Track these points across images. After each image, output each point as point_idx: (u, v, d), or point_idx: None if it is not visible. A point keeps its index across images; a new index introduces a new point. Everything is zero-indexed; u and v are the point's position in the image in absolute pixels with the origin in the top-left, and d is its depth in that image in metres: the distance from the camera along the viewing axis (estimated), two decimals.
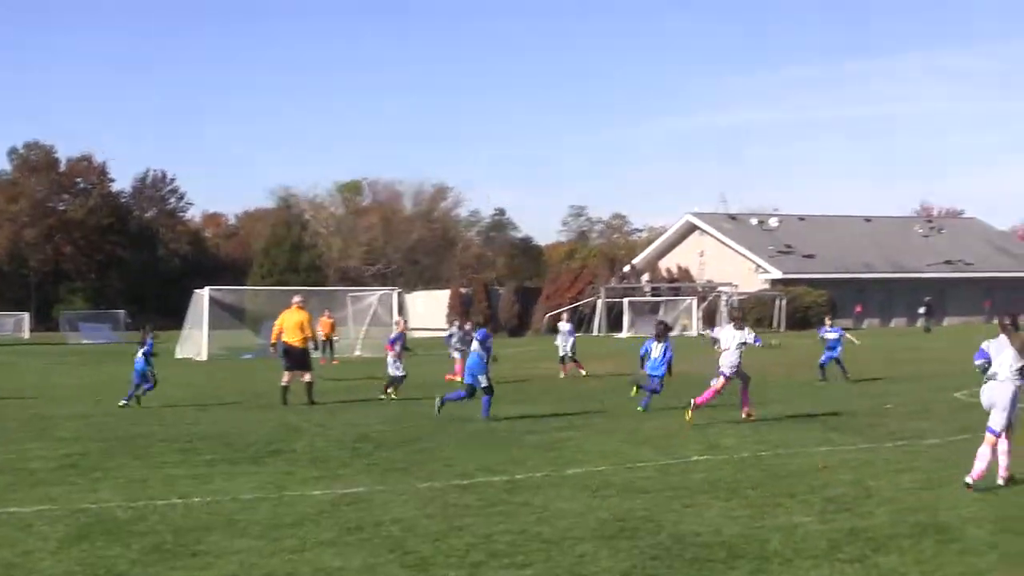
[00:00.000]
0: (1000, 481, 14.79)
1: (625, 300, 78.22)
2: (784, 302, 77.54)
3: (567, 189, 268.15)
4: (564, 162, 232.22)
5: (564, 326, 38.45)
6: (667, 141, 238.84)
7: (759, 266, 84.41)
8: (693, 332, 70.45)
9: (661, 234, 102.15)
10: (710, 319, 73.04)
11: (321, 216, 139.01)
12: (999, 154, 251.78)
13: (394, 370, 29.89)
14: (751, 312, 73.68)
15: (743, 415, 22.89)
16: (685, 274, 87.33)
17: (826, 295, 78.36)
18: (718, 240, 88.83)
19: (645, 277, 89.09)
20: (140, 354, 28.80)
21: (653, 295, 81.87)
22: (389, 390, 29.77)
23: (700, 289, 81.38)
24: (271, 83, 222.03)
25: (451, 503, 14.18)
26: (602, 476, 16.09)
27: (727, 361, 23.03)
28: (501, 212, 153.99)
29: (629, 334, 72.37)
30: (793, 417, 23.50)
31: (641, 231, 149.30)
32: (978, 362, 15.58)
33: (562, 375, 37.31)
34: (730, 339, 23.19)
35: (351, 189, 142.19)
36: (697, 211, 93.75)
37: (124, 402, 28.31)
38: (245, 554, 11.40)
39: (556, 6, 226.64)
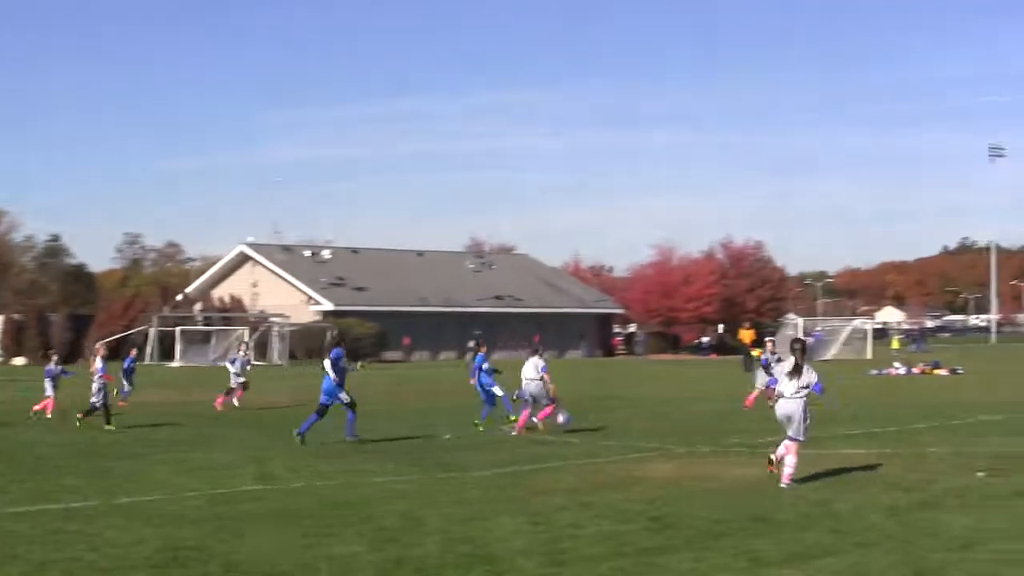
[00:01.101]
0: (786, 484, 17.18)
1: (178, 329, 76.95)
2: (335, 334, 77.87)
3: (122, 216, 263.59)
4: (121, 189, 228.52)
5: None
6: (225, 172, 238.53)
7: (311, 297, 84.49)
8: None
9: (215, 263, 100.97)
10: (261, 349, 72.83)
11: None
12: (550, 193, 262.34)
13: None
14: (301, 343, 73.98)
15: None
16: (238, 304, 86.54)
17: (376, 328, 79.08)
18: (271, 271, 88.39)
19: (198, 306, 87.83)
20: None
21: (206, 324, 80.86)
22: None
23: (252, 319, 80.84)
24: None
25: (6, 531, 13.78)
26: (154, 505, 15.84)
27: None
28: (55, 238, 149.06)
29: (181, 363, 71.27)
30: (351, 446, 23.60)
31: (195, 260, 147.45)
32: (773, 387, 18.51)
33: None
34: (531, 369, 25.91)
35: None
36: (251, 241, 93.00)
37: None
38: None
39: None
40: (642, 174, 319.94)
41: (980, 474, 18.11)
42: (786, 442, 17.50)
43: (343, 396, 24.61)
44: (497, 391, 28.64)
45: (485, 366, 28.84)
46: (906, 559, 12.06)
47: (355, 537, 13.48)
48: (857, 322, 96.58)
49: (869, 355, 79.80)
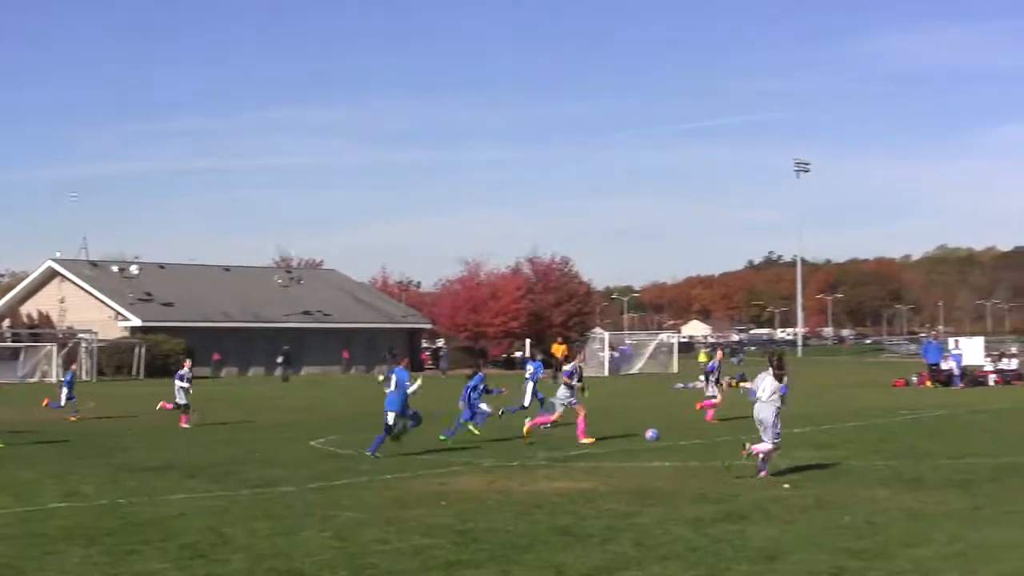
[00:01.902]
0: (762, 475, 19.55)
1: None
2: (143, 350, 76.75)
3: None
4: None
5: None
6: (32, 187, 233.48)
7: (119, 313, 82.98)
8: (53, 378, 68.38)
9: (23, 279, 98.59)
10: (69, 365, 71.40)
11: None
12: (358, 208, 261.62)
13: None
14: (109, 359, 72.74)
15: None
16: (46, 320, 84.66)
17: (184, 343, 78.02)
18: (79, 287, 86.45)
19: (6, 323, 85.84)
20: None
21: (14, 341, 78.95)
22: None
23: (61, 335, 79.16)
24: None
25: None
26: None
27: (562, 393, 27.81)
28: None
29: None
30: (152, 466, 23.24)
31: (3, 276, 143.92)
32: (751, 398, 20.67)
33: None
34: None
35: None
36: (59, 257, 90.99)
37: None
38: None
39: None
40: (450, 190, 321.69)
41: (785, 486, 18.50)
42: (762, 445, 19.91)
43: (389, 417, 24.65)
44: (484, 407, 29.19)
45: (481, 386, 29.36)
46: (710, 571, 12.31)
47: (159, 554, 13.34)
48: (663, 336, 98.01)
49: (675, 369, 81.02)
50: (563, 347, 65.55)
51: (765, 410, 20.01)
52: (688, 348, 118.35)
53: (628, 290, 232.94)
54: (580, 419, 27.76)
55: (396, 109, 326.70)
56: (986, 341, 65.82)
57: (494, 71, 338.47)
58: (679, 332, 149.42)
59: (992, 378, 53.97)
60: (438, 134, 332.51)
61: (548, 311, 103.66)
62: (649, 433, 27.66)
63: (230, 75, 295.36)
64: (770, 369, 20.47)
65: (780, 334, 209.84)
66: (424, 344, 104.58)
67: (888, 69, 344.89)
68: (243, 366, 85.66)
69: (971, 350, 57.08)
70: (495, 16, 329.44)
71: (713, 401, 33.59)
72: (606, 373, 79.46)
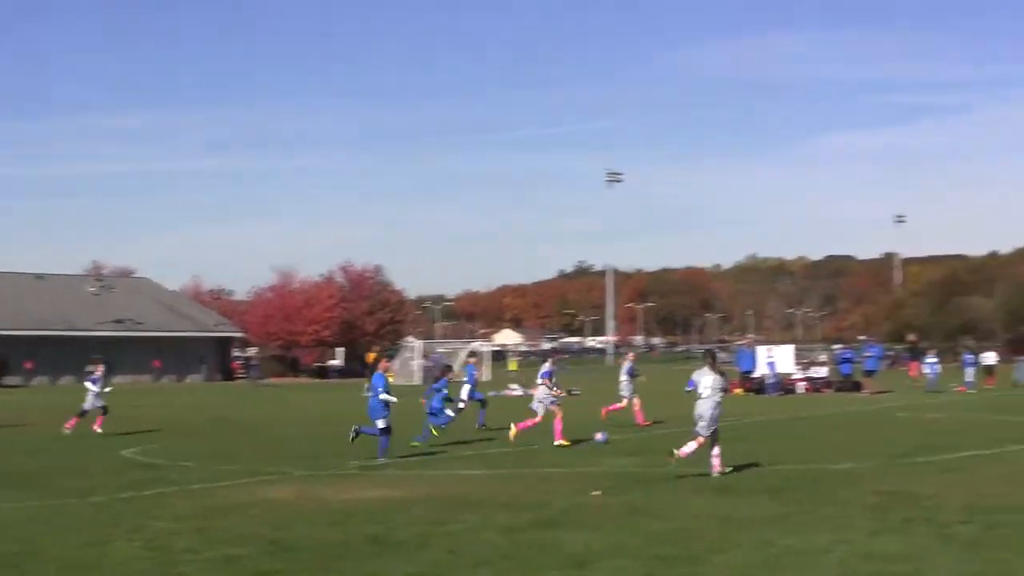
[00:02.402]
0: (715, 473, 20.50)
1: None
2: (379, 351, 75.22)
3: None
4: None
5: None
6: None
7: None
8: None
9: None
10: None
11: None
12: (172, 217, 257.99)
13: None
14: None
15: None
16: None
17: None
18: None
19: None
20: None
21: None
22: None
23: None
24: None
25: None
26: None
27: (541, 394, 28.80)
28: None
29: None
30: None
31: None
32: (689, 389, 21.36)
33: None
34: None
35: None
36: None
37: None
38: None
39: None
40: (263, 197, 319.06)
41: (596, 493, 18.70)
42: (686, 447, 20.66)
43: (380, 422, 24.60)
44: (449, 412, 29.53)
45: (445, 391, 29.57)
46: None
47: None
48: (475, 344, 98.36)
49: (488, 376, 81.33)
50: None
51: (704, 405, 20.94)
52: (500, 357, 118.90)
53: (441, 298, 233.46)
54: (557, 421, 28.33)
55: (213, 115, 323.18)
56: (796, 349, 67.12)
57: (310, 78, 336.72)
58: (491, 341, 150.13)
59: (802, 386, 55.11)
60: (253, 141, 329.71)
61: (361, 319, 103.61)
62: (598, 436, 28.12)
63: (43, 78, 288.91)
64: (707, 367, 21.50)
65: (591, 342, 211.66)
66: (236, 353, 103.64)
67: (699, 79, 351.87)
68: (54, 375, 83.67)
69: (781, 358, 58.16)
70: (311, 26, 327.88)
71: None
72: (418, 382, 79.51)
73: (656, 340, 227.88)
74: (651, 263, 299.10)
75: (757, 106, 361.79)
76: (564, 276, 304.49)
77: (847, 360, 55.95)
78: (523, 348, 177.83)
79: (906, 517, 15.63)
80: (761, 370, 56.02)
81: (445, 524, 15.77)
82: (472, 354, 33.85)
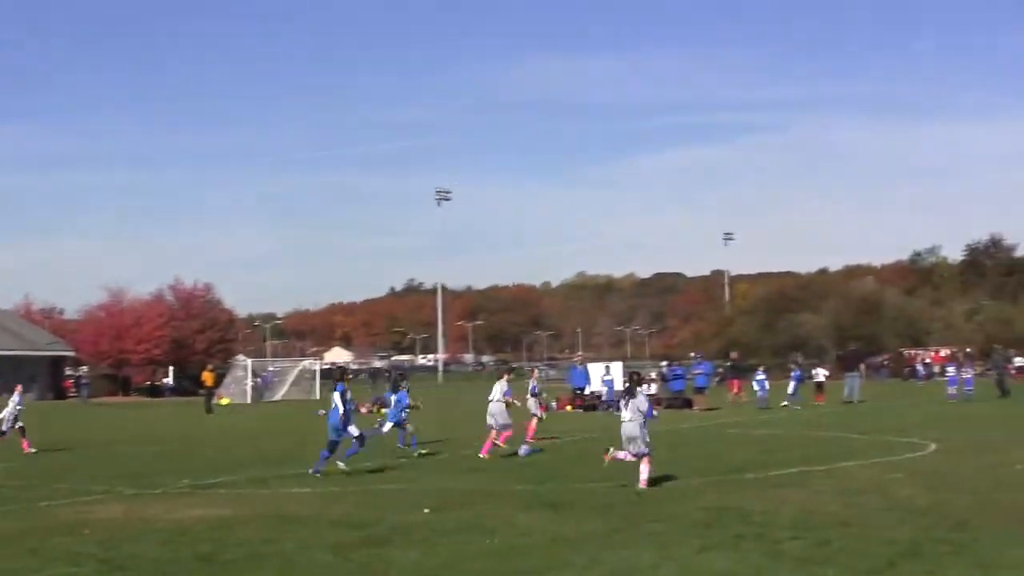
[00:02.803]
0: (643, 487, 20.93)
1: None
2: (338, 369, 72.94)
3: None
4: None
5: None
6: None
7: None
8: None
9: None
10: None
11: None
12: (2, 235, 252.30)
13: None
14: None
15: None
16: None
17: None
18: None
19: None
20: None
21: None
22: None
23: None
24: None
25: None
26: None
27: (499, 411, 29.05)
28: None
29: None
30: None
31: None
32: (618, 412, 22.21)
33: None
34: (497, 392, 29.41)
35: None
36: None
37: None
38: None
39: None
40: (95, 215, 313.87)
41: (426, 510, 18.66)
42: (629, 456, 21.47)
43: (352, 429, 24.99)
44: (387, 424, 30.86)
45: (406, 402, 30.40)
46: None
47: None
48: (306, 363, 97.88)
49: (317, 395, 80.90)
50: (212, 374, 65.92)
51: (631, 427, 21.48)
52: (330, 375, 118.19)
53: (271, 317, 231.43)
54: (504, 435, 29.13)
55: (43, 130, 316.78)
56: (625, 366, 67.70)
57: (135, 97, 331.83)
58: (321, 359, 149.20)
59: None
60: (81, 157, 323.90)
61: (191, 338, 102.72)
62: (522, 449, 29.33)
63: None
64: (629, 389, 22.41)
65: (421, 360, 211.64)
66: (68, 372, 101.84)
67: (529, 99, 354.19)
68: None
69: (618, 375, 58.54)
70: (126, 48, 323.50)
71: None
72: (249, 400, 79.01)
73: (486, 358, 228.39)
74: (481, 281, 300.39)
75: (584, 125, 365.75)
76: (394, 294, 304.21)
77: (678, 377, 56.49)
78: (354, 366, 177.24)
79: (736, 533, 15.76)
80: (596, 387, 56.43)
81: (276, 542, 15.63)
82: (402, 377, 34.01)
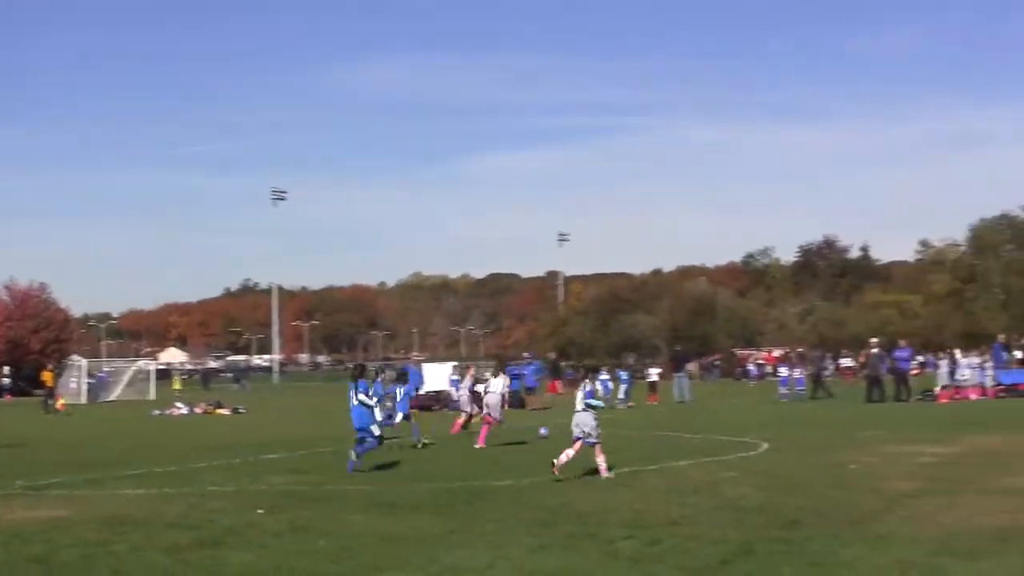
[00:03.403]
0: (556, 470, 22.15)
1: None
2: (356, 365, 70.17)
3: None
4: None
5: None
6: None
7: None
8: None
9: None
10: None
11: None
12: None
13: None
14: None
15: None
16: None
17: None
18: None
19: None
20: None
21: None
22: None
23: None
24: None
25: None
26: None
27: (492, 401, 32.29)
28: None
29: None
30: None
31: None
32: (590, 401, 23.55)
33: None
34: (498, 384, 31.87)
35: None
36: None
37: None
38: None
39: None
40: None
41: (260, 511, 18.59)
42: (572, 449, 22.62)
43: (374, 428, 25.25)
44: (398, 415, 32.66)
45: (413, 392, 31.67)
46: None
47: None
48: (140, 363, 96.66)
49: (152, 395, 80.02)
50: (51, 374, 65.12)
51: (585, 416, 22.97)
52: (165, 375, 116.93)
53: (106, 317, 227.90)
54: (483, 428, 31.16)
55: None
56: (457, 367, 67.89)
57: None
58: (156, 359, 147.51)
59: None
60: None
61: (26, 338, 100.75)
62: (542, 431, 32.34)
63: None
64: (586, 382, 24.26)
65: (257, 361, 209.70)
66: None
67: (367, 99, 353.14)
68: None
69: (441, 375, 58.74)
70: None
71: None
72: (84, 400, 77.90)
73: (321, 358, 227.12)
74: (316, 281, 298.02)
75: (422, 125, 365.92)
76: (230, 294, 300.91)
77: (514, 376, 56.77)
78: (189, 367, 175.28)
79: (569, 533, 15.88)
80: (440, 387, 56.69)
81: (109, 544, 15.46)
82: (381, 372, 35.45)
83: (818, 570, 13.03)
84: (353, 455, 24.62)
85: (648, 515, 17.42)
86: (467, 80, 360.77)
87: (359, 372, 26.34)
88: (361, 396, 25.20)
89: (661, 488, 20.85)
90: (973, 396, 50.49)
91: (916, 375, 61.26)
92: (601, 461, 22.63)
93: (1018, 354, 60.33)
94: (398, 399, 32.99)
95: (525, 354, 63.74)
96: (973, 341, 77.00)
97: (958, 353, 55.58)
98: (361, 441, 25.10)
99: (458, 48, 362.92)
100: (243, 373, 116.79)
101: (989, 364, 52.18)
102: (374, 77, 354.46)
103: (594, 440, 22.69)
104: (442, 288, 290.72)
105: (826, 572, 12.95)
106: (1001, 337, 64.74)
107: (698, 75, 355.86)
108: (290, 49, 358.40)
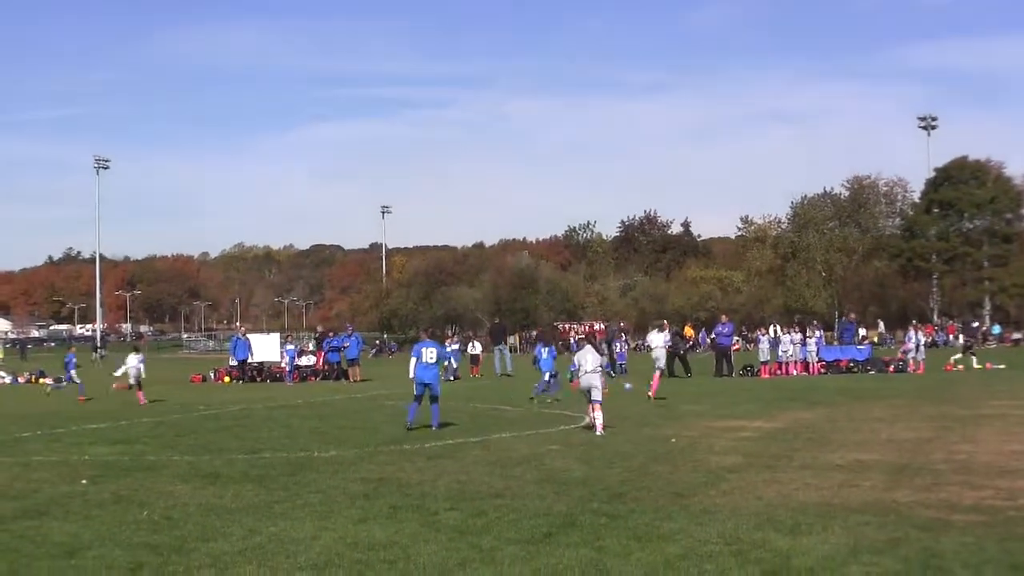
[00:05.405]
0: (598, 432, 24.69)
1: None
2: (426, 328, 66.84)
3: None
4: None
5: None
6: None
7: None
8: None
9: None
10: None
11: None
12: None
13: None
14: None
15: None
16: None
17: None
18: None
19: None
20: None
21: None
22: None
23: None
24: None
25: None
26: None
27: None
28: None
29: None
30: None
31: None
32: (572, 369, 26.55)
33: None
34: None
35: None
36: None
37: None
38: None
39: None
40: None
41: (84, 482, 18.34)
42: (592, 404, 25.29)
43: (437, 388, 27.59)
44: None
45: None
46: (11, 568, 12.14)
47: None
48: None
49: None
50: None
51: (592, 378, 25.58)
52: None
53: None
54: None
55: None
56: (283, 337, 67.68)
57: None
58: None
59: (290, 375, 55.23)
60: None
61: None
62: (627, 385, 37.17)
63: None
64: (588, 346, 26.55)
65: (80, 330, 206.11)
66: None
67: (193, 68, 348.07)
68: None
69: (268, 346, 58.53)
70: None
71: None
72: None
73: (144, 328, 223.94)
74: (139, 251, 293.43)
75: (248, 95, 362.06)
76: (52, 263, 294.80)
77: (335, 349, 56.68)
78: (12, 336, 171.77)
79: (393, 504, 15.90)
80: (261, 357, 56.53)
81: None
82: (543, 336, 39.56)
83: (641, 543, 13.07)
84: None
85: (472, 487, 17.51)
86: (289, 49, 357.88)
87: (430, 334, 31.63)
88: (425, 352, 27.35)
89: (485, 460, 20.92)
90: (794, 371, 51.43)
91: (736, 351, 62.33)
92: (599, 418, 25.13)
93: (863, 331, 61.58)
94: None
95: (348, 326, 63.32)
96: (794, 317, 78.72)
97: (779, 329, 56.48)
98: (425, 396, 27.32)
99: (298, 16, 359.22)
100: (103, 344, 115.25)
101: (812, 340, 53.05)
102: (208, 45, 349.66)
103: (599, 399, 25.46)
104: (265, 259, 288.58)
105: (649, 545, 12.99)
106: (852, 315, 66.31)
107: (520, 50, 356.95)
108: (113, 16, 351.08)
